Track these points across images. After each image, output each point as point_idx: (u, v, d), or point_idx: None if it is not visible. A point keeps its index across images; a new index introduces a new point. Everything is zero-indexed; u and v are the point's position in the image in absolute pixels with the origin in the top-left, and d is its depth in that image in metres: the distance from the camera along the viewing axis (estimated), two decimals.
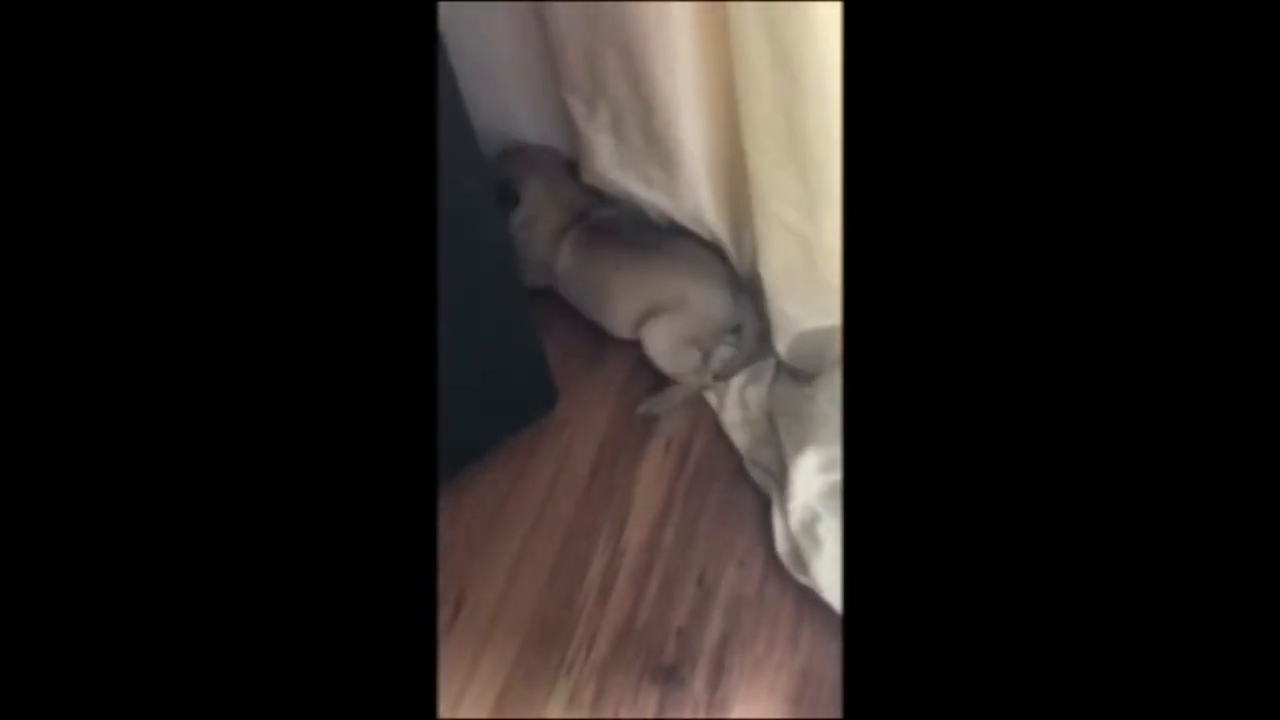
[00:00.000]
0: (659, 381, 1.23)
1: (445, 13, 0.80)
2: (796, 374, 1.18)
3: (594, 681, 0.99)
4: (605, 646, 1.01)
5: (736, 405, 1.19)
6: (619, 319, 1.24)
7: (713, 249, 1.25)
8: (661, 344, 1.21)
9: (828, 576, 1.00)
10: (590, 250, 1.24)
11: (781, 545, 1.05)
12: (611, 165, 1.23)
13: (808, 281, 1.12)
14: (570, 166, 1.30)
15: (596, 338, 1.27)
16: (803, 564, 1.02)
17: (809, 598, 1.00)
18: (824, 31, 0.86)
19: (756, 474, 1.13)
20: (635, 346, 1.23)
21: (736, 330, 1.23)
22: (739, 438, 1.17)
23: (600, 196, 1.29)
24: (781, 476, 1.09)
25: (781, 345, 1.19)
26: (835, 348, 1.17)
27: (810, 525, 1.04)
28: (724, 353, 1.23)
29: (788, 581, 1.03)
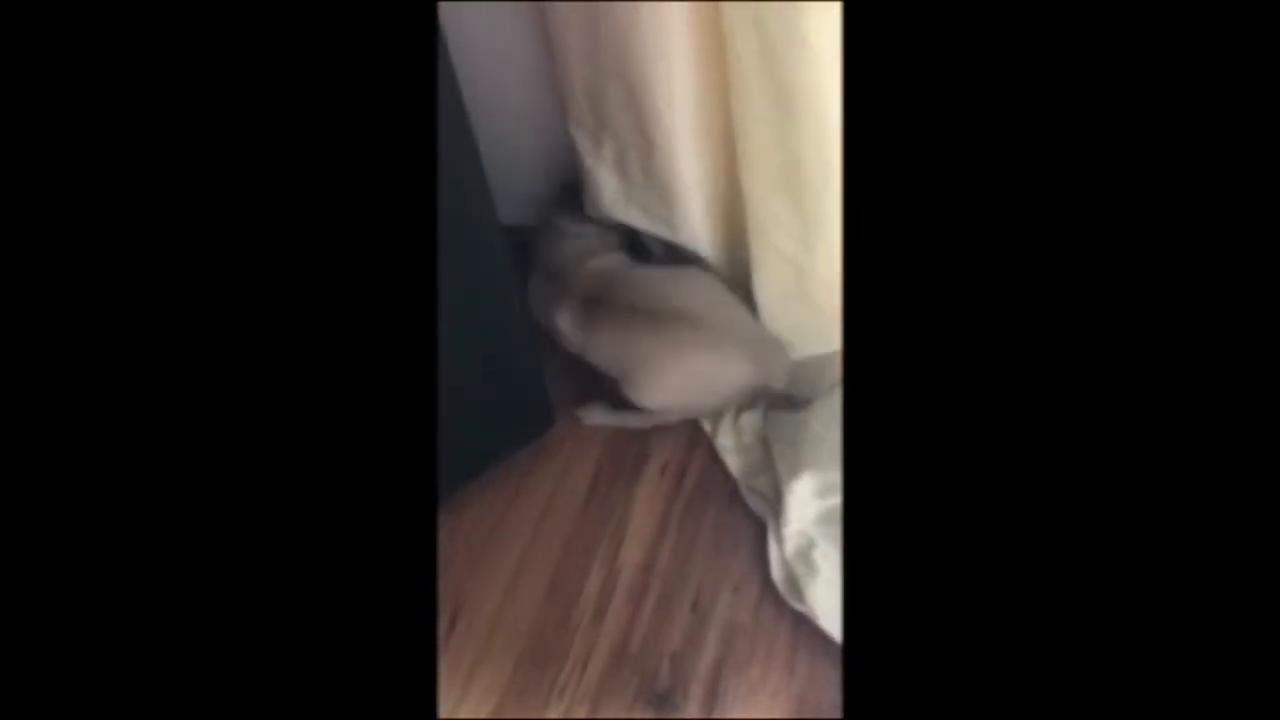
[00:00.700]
0: None
1: (454, 51, 0.82)
2: (791, 400, 1.19)
3: (587, 703, 0.98)
4: (599, 668, 1.01)
5: (731, 431, 1.20)
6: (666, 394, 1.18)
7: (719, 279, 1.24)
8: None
9: (823, 603, 1.00)
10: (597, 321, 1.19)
11: (777, 572, 1.05)
12: (616, 200, 1.23)
13: (802, 309, 1.14)
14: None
15: None
16: (798, 591, 1.02)
17: (804, 624, 1.01)
18: (820, 64, 0.88)
19: (752, 500, 1.13)
20: None
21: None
22: (733, 463, 1.17)
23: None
24: (776, 503, 1.10)
25: None
26: (829, 374, 1.18)
27: (806, 551, 1.04)
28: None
29: (783, 607, 1.03)
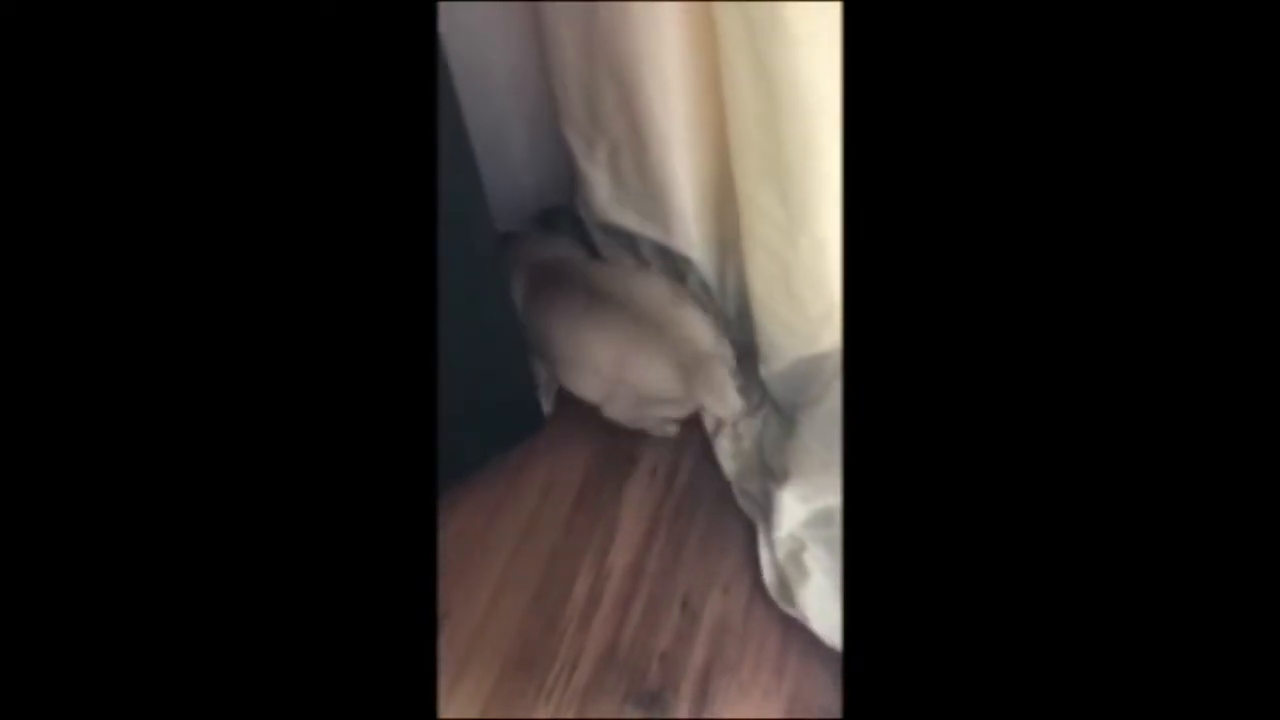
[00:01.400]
0: None
1: (449, 58, 0.82)
2: (781, 402, 1.19)
3: (575, 706, 0.97)
4: (588, 670, 1.00)
5: (730, 435, 1.20)
6: (587, 378, 1.16)
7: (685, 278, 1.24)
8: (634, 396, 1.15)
9: (814, 606, 0.99)
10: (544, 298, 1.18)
11: (768, 575, 1.05)
12: (609, 201, 1.23)
13: (787, 308, 1.13)
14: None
15: None
16: (789, 594, 1.01)
17: (795, 625, 1.00)
18: (801, 51, 0.88)
19: (744, 502, 1.13)
20: None
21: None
22: (729, 466, 1.17)
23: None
24: (767, 506, 1.09)
25: (766, 372, 1.20)
26: (816, 378, 1.18)
27: (797, 554, 1.04)
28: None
29: (774, 608, 1.02)
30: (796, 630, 1.00)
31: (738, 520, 1.12)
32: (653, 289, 1.17)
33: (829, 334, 1.16)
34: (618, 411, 1.17)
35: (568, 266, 1.21)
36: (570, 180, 1.26)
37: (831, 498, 1.06)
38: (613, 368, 1.13)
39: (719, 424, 1.21)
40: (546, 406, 1.20)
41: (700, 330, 1.15)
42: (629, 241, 1.28)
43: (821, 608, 0.99)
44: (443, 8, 0.78)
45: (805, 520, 1.07)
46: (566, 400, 1.22)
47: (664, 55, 1.01)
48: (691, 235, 1.21)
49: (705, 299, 1.24)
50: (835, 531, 1.04)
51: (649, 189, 1.18)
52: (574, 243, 1.28)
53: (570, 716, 0.96)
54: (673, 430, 1.19)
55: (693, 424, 1.22)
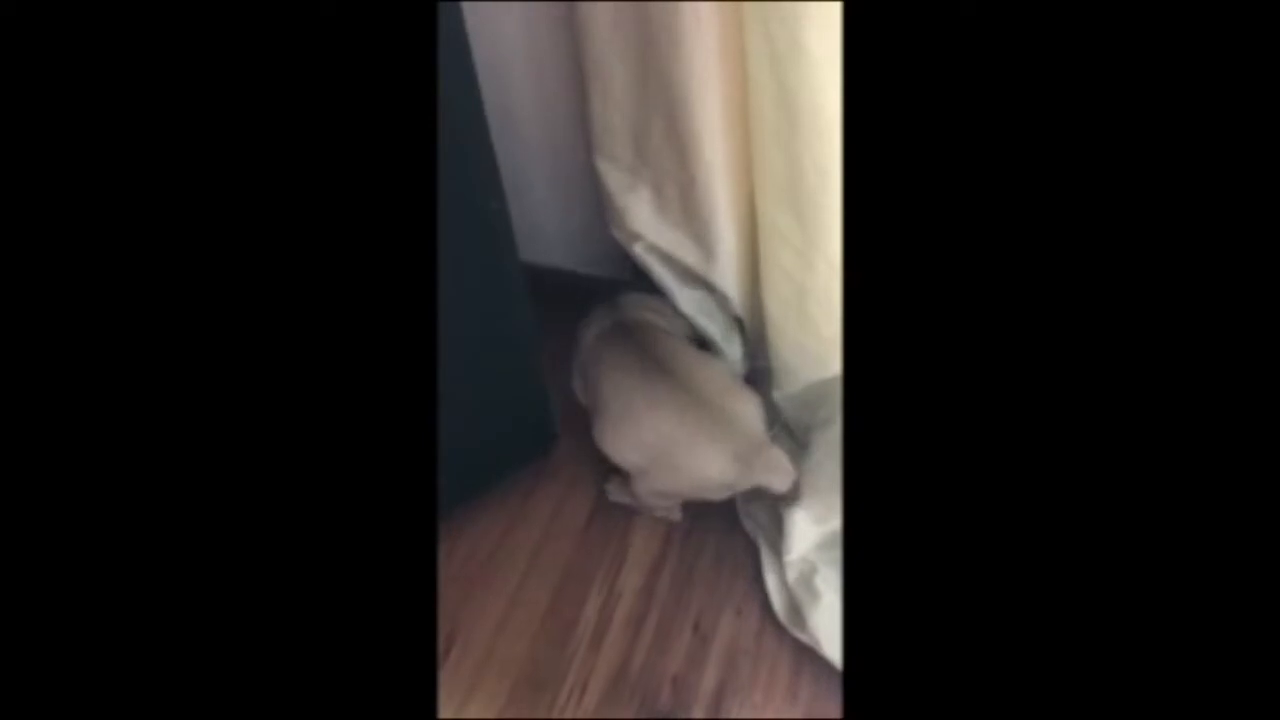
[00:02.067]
0: None
1: (486, 98, 0.83)
2: (794, 425, 1.19)
3: None
4: (597, 693, 0.99)
5: None
6: (628, 449, 1.10)
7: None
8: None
9: (827, 629, 0.99)
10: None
11: (777, 601, 1.04)
12: (650, 235, 1.21)
13: (801, 330, 1.14)
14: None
15: None
16: (800, 618, 1.01)
17: (808, 647, 0.99)
18: (820, 73, 0.89)
19: (750, 526, 1.13)
20: None
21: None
22: None
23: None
24: (774, 531, 1.09)
25: (779, 395, 1.20)
26: (827, 401, 1.18)
27: (808, 578, 1.04)
28: None
29: (785, 630, 1.02)
30: (809, 652, 0.99)
31: (749, 542, 1.11)
32: (713, 373, 1.13)
33: (839, 356, 1.16)
34: (650, 484, 1.10)
35: (635, 331, 1.16)
36: (597, 211, 1.25)
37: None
38: (660, 445, 1.07)
39: None
40: (557, 429, 1.20)
41: (756, 419, 1.10)
42: (667, 268, 1.25)
43: (834, 631, 0.99)
44: (476, 40, 0.80)
45: (817, 543, 1.06)
46: (577, 422, 1.22)
47: (708, 86, 1.01)
48: (729, 268, 1.19)
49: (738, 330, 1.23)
50: None
51: (692, 219, 1.17)
52: (652, 306, 1.23)
53: None
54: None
55: None
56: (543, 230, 1.34)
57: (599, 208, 1.19)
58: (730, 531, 1.13)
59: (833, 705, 0.96)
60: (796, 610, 1.02)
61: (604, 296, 1.23)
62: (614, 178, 1.17)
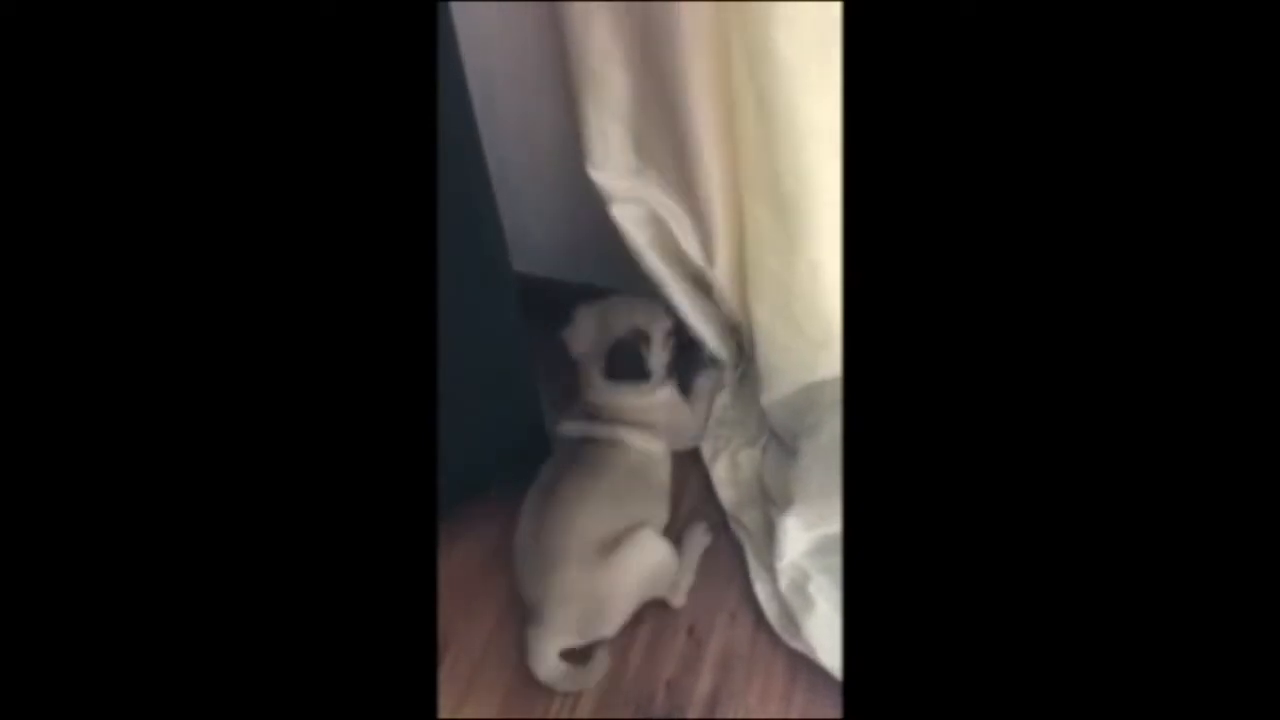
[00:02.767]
0: None
1: (477, 104, 0.83)
2: (782, 430, 1.19)
3: None
4: (593, 698, 0.99)
5: (728, 464, 1.20)
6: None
7: None
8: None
9: (821, 638, 0.99)
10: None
11: (769, 608, 1.04)
12: (647, 244, 1.20)
13: (787, 332, 1.14)
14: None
15: None
16: (794, 625, 1.01)
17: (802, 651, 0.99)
18: (789, 75, 0.90)
19: (739, 533, 1.13)
20: None
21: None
22: (726, 495, 1.17)
23: None
24: (766, 538, 1.09)
25: (767, 400, 1.20)
26: (814, 405, 1.18)
27: (801, 585, 1.03)
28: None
29: (780, 635, 1.01)
30: (804, 657, 0.99)
31: (741, 548, 1.11)
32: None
33: (826, 360, 1.17)
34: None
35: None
36: (589, 220, 1.23)
37: (835, 525, 1.06)
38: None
39: (715, 453, 1.21)
40: (549, 436, 1.20)
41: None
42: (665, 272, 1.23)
43: (828, 639, 0.99)
44: (467, 53, 0.80)
45: (808, 549, 1.06)
46: None
47: (705, 90, 1.01)
48: (727, 265, 1.18)
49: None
50: (840, 560, 1.04)
51: (694, 223, 1.17)
52: (640, 309, 1.22)
53: None
54: None
55: (694, 452, 1.22)
56: (534, 238, 1.34)
57: (591, 216, 1.19)
58: (723, 537, 1.13)
59: (828, 710, 0.96)
60: (790, 618, 1.02)
61: (592, 298, 1.23)
62: (611, 184, 1.16)
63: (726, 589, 1.08)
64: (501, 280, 0.99)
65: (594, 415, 1.17)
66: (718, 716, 0.96)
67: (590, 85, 1.06)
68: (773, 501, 1.13)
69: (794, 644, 1.00)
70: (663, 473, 1.17)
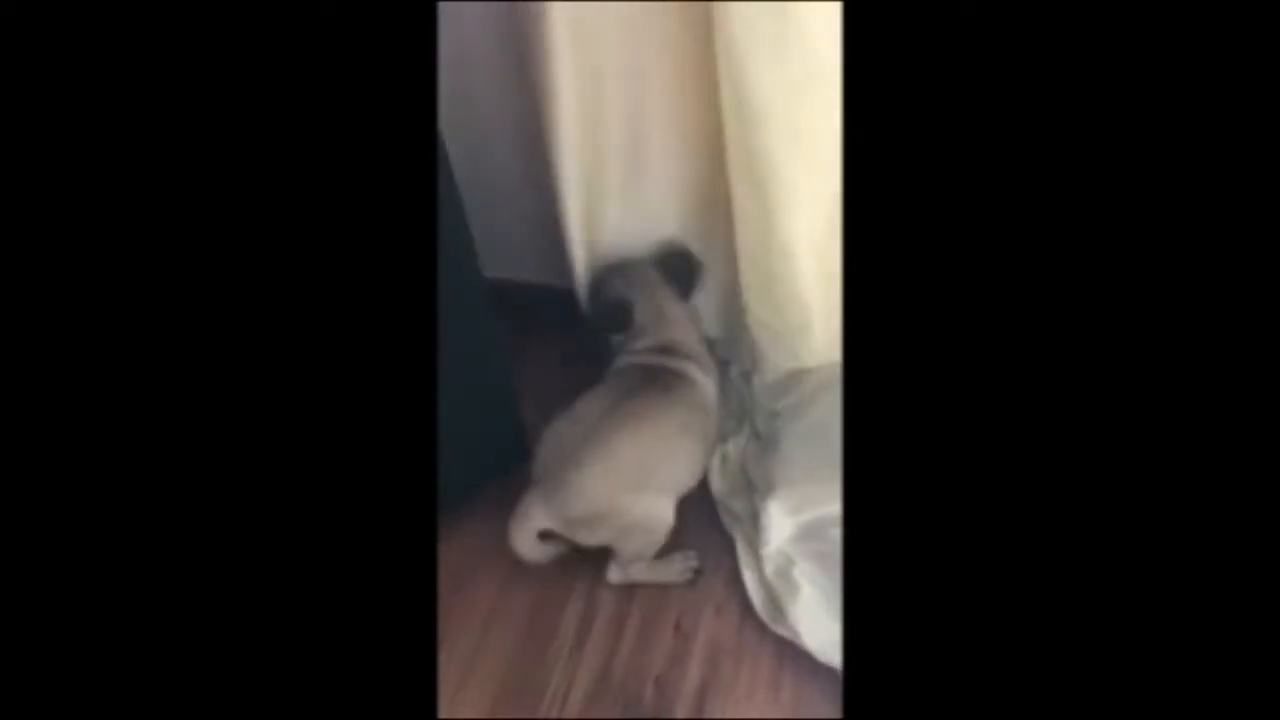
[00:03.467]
0: None
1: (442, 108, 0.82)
2: (766, 415, 1.20)
3: None
4: (581, 697, 1.00)
5: (717, 454, 1.20)
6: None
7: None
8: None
9: (806, 622, 0.99)
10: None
11: (755, 595, 1.05)
12: (619, 234, 1.22)
13: (770, 314, 1.16)
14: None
15: (575, 388, 1.28)
16: (780, 611, 1.02)
17: (789, 641, 1.00)
18: (748, 58, 0.93)
19: (729, 521, 1.13)
20: None
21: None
22: (716, 484, 1.18)
23: None
24: (751, 526, 1.10)
25: (759, 383, 1.21)
26: (800, 389, 1.19)
27: (785, 570, 1.04)
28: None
29: (765, 626, 1.02)
30: (790, 647, 1.00)
31: (727, 539, 1.12)
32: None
33: (806, 346, 1.18)
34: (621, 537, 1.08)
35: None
36: (561, 224, 1.23)
37: (819, 509, 1.07)
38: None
39: None
40: (528, 440, 1.20)
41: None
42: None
43: (813, 623, 0.99)
44: (441, 69, 0.80)
45: (793, 534, 1.07)
46: None
47: (683, 80, 1.04)
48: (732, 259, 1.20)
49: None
50: (824, 545, 1.05)
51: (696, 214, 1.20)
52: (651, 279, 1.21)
53: None
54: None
55: None
56: (508, 244, 1.34)
57: (563, 218, 1.19)
58: (707, 531, 1.13)
59: (815, 698, 0.97)
60: (775, 603, 1.03)
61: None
62: (588, 184, 1.16)
63: (711, 582, 1.08)
64: (471, 284, 0.99)
65: (668, 349, 1.14)
66: (706, 711, 0.97)
67: (563, 87, 1.06)
68: (755, 488, 1.14)
69: (780, 630, 1.01)
70: (713, 421, 1.16)
